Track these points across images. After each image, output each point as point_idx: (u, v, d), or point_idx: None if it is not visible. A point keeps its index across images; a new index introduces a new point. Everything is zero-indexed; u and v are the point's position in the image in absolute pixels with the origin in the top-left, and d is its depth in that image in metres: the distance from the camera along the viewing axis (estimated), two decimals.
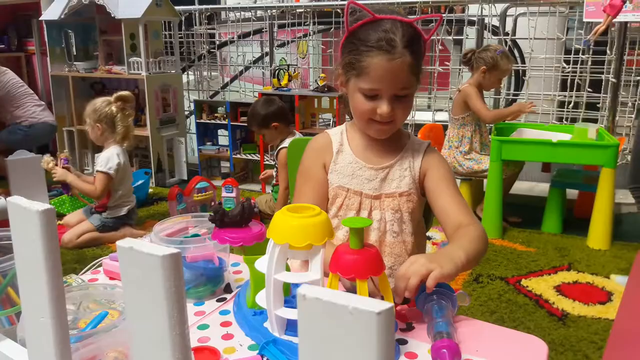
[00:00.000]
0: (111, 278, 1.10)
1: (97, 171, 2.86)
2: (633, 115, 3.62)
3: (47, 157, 2.79)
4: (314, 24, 4.24)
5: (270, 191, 3.40)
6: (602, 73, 3.65)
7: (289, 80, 4.00)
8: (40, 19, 4.19)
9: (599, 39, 3.69)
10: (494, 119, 3.16)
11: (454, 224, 1.10)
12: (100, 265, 1.15)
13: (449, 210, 1.12)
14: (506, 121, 3.26)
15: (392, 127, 1.13)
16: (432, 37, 3.95)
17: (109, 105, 2.87)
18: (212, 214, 0.95)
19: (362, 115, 1.12)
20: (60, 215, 3.18)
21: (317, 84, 3.94)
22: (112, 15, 3.75)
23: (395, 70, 1.05)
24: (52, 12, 4.02)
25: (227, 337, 0.88)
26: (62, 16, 3.92)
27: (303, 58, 4.64)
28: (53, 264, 0.48)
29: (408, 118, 3.98)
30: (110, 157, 2.84)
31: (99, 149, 3.03)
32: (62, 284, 0.50)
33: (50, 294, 0.49)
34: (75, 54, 4.18)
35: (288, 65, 4.29)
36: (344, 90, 1.15)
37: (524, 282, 2.43)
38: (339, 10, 4.06)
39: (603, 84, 3.65)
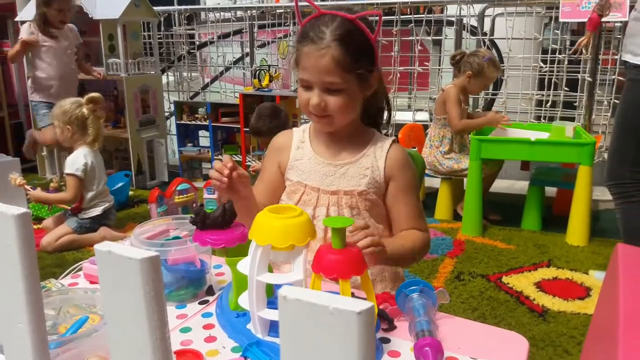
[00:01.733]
0: (92, 282, 1.09)
1: (65, 174, 2.84)
2: (609, 114, 3.69)
3: (14, 175, 2.74)
4: (294, 24, 4.24)
5: None
6: (579, 72, 3.71)
7: (270, 81, 3.99)
8: (15, 19, 4.11)
9: (575, 39, 3.75)
10: (462, 129, 3.16)
11: (401, 230, 1.18)
12: (80, 269, 1.14)
13: (400, 218, 1.18)
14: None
15: (330, 121, 1.13)
16: (411, 38, 3.93)
17: (80, 107, 2.85)
18: (192, 216, 0.94)
19: (302, 106, 1.15)
20: (40, 219, 3.13)
21: (298, 84, 3.93)
22: (90, 16, 3.70)
23: (320, 61, 1.06)
24: (28, 12, 3.95)
25: (210, 339, 0.87)
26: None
27: (284, 59, 4.63)
28: (30, 268, 0.48)
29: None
30: (75, 159, 2.82)
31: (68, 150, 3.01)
32: (40, 288, 0.50)
33: (28, 298, 0.48)
34: None
35: (269, 66, 4.28)
36: None
37: (504, 279, 2.46)
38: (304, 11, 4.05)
39: (579, 83, 3.71)
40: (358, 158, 1.18)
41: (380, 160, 1.17)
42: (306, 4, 1.13)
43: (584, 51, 3.09)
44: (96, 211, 2.91)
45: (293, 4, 4.63)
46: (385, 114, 1.27)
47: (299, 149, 1.22)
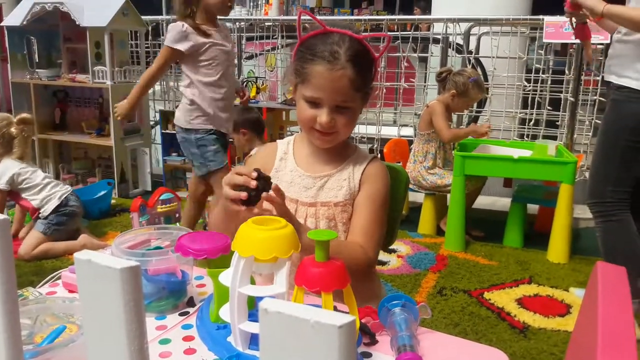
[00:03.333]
0: (70, 291, 1.07)
1: None
2: (590, 133, 3.75)
3: None
4: (282, 37, 4.26)
5: None
6: (561, 92, 3.77)
7: (257, 93, 3.99)
8: (1, 24, 4.08)
9: (559, 59, 3.82)
10: (452, 138, 3.21)
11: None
12: (59, 278, 1.12)
13: (354, 229, 1.16)
14: (472, 137, 3.33)
15: (335, 138, 1.15)
16: (397, 54, 3.96)
17: (9, 125, 2.86)
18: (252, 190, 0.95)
19: (305, 122, 1.15)
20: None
21: (285, 96, 3.95)
22: (77, 23, 3.68)
23: (335, 81, 1.08)
24: (14, 17, 3.92)
25: (190, 351, 0.86)
26: (25, 22, 3.82)
27: (271, 71, 4.64)
28: (7, 276, 0.47)
29: (373, 132, 3.95)
30: (1, 173, 2.81)
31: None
32: (17, 296, 0.49)
33: (3, 307, 0.47)
34: (37, 61, 4.07)
35: (256, 78, 4.29)
36: (294, 96, 1.19)
37: (486, 295, 2.47)
38: (307, 25, 4.08)
39: (562, 102, 3.77)
40: (338, 170, 1.19)
41: (357, 173, 1.19)
42: (293, 17, 1.14)
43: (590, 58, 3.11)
44: (53, 203, 2.86)
45: (281, 17, 4.65)
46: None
47: (282, 160, 1.23)
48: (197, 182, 2.77)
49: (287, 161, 1.23)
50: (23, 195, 2.87)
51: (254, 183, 0.95)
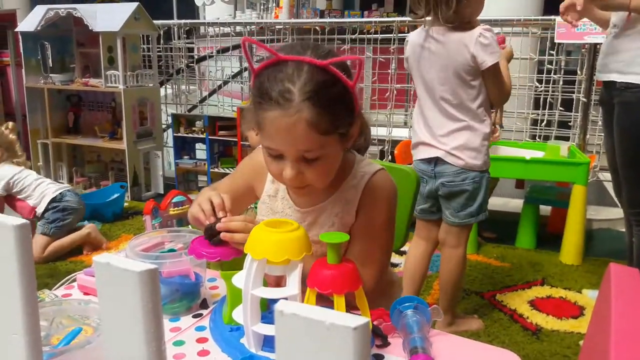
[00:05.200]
0: (85, 293, 1.08)
1: None
2: (603, 134, 3.71)
3: None
4: (293, 40, 4.27)
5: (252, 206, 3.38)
6: (573, 92, 3.75)
7: None
8: (16, 30, 4.13)
9: (570, 59, 3.79)
10: None
11: None
12: (74, 280, 1.14)
13: (349, 255, 0.99)
14: None
15: (311, 190, 0.97)
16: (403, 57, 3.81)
17: (11, 132, 2.94)
18: (208, 234, 0.92)
19: (273, 176, 0.99)
20: None
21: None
22: (90, 28, 3.72)
23: (290, 129, 0.86)
24: (28, 23, 3.98)
25: (203, 353, 0.87)
26: (39, 28, 3.88)
27: None
28: (28, 279, 0.48)
29: (384, 134, 3.91)
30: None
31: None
32: (36, 299, 0.50)
33: (24, 309, 0.48)
34: (51, 66, 4.12)
35: None
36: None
37: (498, 296, 2.46)
38: (317, 28, 4.10)
39: (574, 103, 3.75)
40: (329, 202, 1.03)
41: (352, 203, 1.02)
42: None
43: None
44: (47, 197, 2.87)
45: (292, 20, 4.66)
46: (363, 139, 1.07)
47: (273, 183, 1.09)
48: None
49: (278, 186, 1.08)
50: (19, 197, 2.89)
51: (211, 219, 0.93)
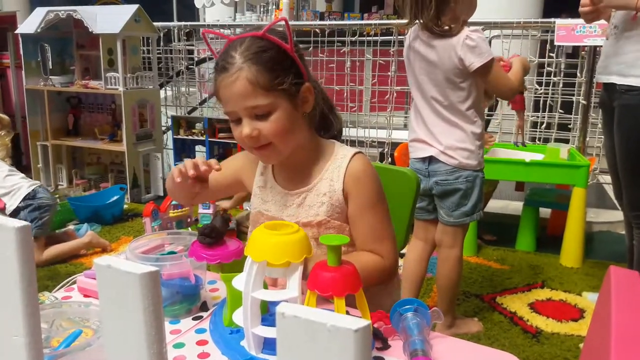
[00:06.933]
0: (85, 296, 1.08)
1: None
2: (603, 136, 3.72)
3: None
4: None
5: (247, 207, 3.38)
6: (573, 95, 3.75)
7: None
8: (16, 32, 4.14)
9: (570, 62, 3.80)
10: None
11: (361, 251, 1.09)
12: (74, 283, 1.14)
13: (358, 241, 1.09)
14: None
15: (273, 151, 1.04)
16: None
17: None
18: (202, 236, 0.93)
19: (240, 144, 1.07)
20: None
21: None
22: (90, 30, 3.72)
23: (234, 86, 0.98)
24: (28, 25, 3.98)
25: (203, 355, 0.87)
26: (39, 30, 3.88)
27: None
28: (28, 281, 0.48)
29: (384, 136, 3.89)
30: None
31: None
32: (37, 300, 0.50)
33: (25, 311, 0.48)
34: (51, 67, 4.13)
35: None
36: None
37: (498, 299, 2.46)
38: (317, 30, 4.10)
39: (574, 105, 3.75)
40: (315, 183, 1.09)
41: (337, 182, 1.08)
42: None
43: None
44: (21, 192, 2.69)
45: (291, 22, 4.67)
46: (335, 123, 1.17)
47: (262, 175, 1.16)
48: None
49: (266, 176, 1.15)
50: None
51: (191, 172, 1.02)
